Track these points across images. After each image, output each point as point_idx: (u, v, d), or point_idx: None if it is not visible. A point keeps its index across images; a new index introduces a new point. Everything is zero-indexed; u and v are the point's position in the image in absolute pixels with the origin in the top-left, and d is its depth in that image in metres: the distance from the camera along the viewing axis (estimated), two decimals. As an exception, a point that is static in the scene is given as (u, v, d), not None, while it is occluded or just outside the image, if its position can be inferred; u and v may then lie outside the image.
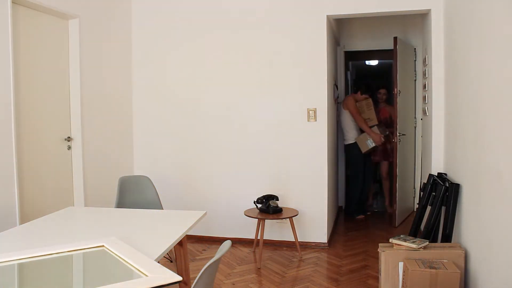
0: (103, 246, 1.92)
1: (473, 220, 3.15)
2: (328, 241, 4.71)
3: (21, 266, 1.77)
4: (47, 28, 4.00)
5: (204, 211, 2.84)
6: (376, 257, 3.92)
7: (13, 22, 3.48)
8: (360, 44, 6.42)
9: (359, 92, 5.88)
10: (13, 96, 3.43)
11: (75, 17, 4.19)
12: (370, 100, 5.99)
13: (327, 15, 4.60)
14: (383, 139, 5.73)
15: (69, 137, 4.25)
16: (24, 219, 3.52)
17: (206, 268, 1.67)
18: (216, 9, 4.88)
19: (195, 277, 1.66)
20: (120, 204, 3.54)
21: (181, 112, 5.03)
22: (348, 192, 6.30)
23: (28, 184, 3.73)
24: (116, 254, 1.80)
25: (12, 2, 3.45)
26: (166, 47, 5.06)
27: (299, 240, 4.50)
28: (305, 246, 4.67)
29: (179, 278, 1.55)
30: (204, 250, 4.63)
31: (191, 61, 4.99)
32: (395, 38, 5.25)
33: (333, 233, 5.16)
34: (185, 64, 5.00)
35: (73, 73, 4.25)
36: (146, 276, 1.57)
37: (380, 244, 3.34)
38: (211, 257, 1.72)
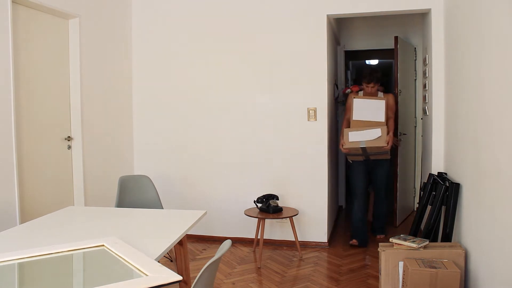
0: (103, 245, 1.92)
1: (473, 220, 3.15)
2: (328, 241, 4.71)
3: (21, 266, 1.78)
4: (47, 27, 4.00)
5: (204, 211, 2.85)
6: (376, 257, 3.93)
7: (13, 22, 3.48)
8: (360, 44, 6.42)
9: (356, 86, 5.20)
10: (13, 96, 3.43)
11: (75, 16, 4.19)
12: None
13: (327, 15, 4.60)
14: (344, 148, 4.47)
15: (69, 137, 4.25)
16: (24, 218, 3.52)
17: (206, 267, 1.67)
18: (217, 9, 4.88)
19: (195, 277, 1.66)
20: (120, 203, 3.54)
21: (181, 112, 5.03)
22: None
23: (29, 183, 3.73)
24: (116, 254, 1.80)
25: (12, 2, 3.45)
26: (167, 47, 5.05)
27: (299, 240, 4.50)
28: (305, 245, 4.67)
29: (179, 278, 1.55)
30: (204, 249, 4.63)
31: (191, 60, 4.99)
32: (396, 38, 5.26)
33: (333, 232, 5.16)
34: (185, 63, 5.00)
35: (73, 73, 4.25)
36: (146, 275, 1.57)
37: (380, 244, 3.34)
38: (211, 257, 1.73)
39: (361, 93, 4.76)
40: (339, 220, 5.84)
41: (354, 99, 4.59)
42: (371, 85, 4.57)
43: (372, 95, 4.65)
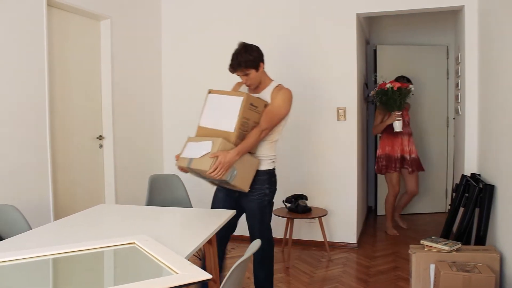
0: (134, 243, 1.94)
1: (509, 222, 3.06)
2: (357, 242, 4.65)
3: (55, 261, 1.81)
4: (80, 29, 4.08)
5: (234, 210, 2.85)
6: (407, 259, 3.86)
7: (48, 24, 3.57)
8: (390, 42, 6.31)
9: None
10: (47, 96, 3.52)
11: (107, 18, 4.27)
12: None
13: (356, 13, 4.55)
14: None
15: (100, 136, 4.32)
16: (57, 215, 3.61)
17: (236, 266, 1.67)
18: (247, 8, 4.89)
19: (224, 275, 1.66)
20: (150, 202, 3.58)
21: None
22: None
23: (62, 181, 3.82)
24: (146, 251, 1.82)
25: (48, 5, 3.53)
26: (196, 46, 5.09)
27: (328, 240, 4.46)
28: (334, 246, 4.63)
29: (209, 276, 1.56)
30: (233, 248, 4.64)
31: (220, 59, 4.99)
32: None
33: (363, 233, 5.10)
34: (214, 62, 5.02)
35: (105, 73, 4.33)
36: (177, 273, 1.58)
37: (410, 246, 3.28)
38: (240, 256, 1.72)
39: (244, 88, 3.25)
40: (369, 220, 5.77)
41: (209, 95, 3.11)
42: (240, 73, 3.05)
43: (258, 88, 3.14)
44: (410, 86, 4.97)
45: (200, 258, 4.16)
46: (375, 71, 6.46)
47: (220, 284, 1.67)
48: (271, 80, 3.18)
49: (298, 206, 4.32)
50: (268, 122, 2.94)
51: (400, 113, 4.91)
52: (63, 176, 3.84)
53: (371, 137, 6.20)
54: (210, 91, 3.09)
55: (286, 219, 4.42)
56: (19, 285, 1.65)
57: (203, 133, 2.96)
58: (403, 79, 5.19)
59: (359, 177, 4.80)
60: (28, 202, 3.30)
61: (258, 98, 2.95)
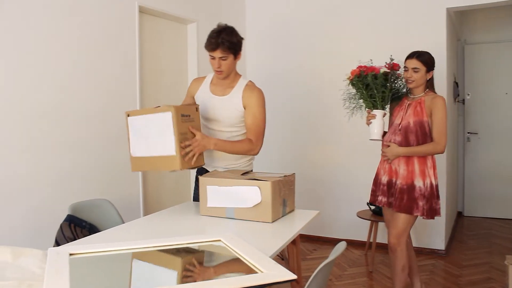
0: (220, 240, 1.97)
1: None
2: (445, 248, 4.42)
3: (145, 254, 1.90)
4: (168, 33, 4.26)
5: (318, 211, 2.81)
6: (502, 270, 3.62)
7: (140, 29, 3.75)
8: (482, 38, 5.94)
9: None
10: (138, 98, 3.70)
11: (193, 21, 4.41)
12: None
13: (446, 8, 4.33)
14: None
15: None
16: (147, 211, 3.79)
17: (321, 268, 1.64)
18: (331, 8, 4.83)
19: (306, 277, 1.64)
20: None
21: (290, 112, 5.06)
22: None
23: (151, 179, 4.00)
24: (232, 249, 1.85)
25: (139, 12, 3.72)
26: (280, 48, 5.11)
27: (414, 246, 4.27)
28: (420, 252, 4.44)
29: (294, 277, 1.54)
30: (315, 249, 4.59)
31: (305, 60, 4.99)
32: None
33: (451, 240, 4.84)
34: (299, 63, 5.02)
35: (191, 75, 4.48)
36: (262, 272, 1.58)
37: (507, 256, 3.06)
38: (322, 257, 1.70)
39: (205, 85, 2.90)
40: (458, 226, 5.47)
41: (128, 119, 2.57)
42: (218, 53, 2.62)
43: (226, 81, 2.78)
44: (381, 69, 3.31)
45: (282, 258, 4.17)
46: (464, 72, 6.11)
47: (305, 285, 1.66)
48: (239, 75, 2.84)
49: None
50: (258, 135, 2.76)
51: (376, 112, 3.16)
52: (152, 174, 4.02)
53: (461, 138, 5.87)
54: (128, 114, 2.54)
55: (370, 221, 4.31)
56: (112, 275, 1.75)
57: (141, 164, 2.60)
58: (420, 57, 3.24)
59: (448, 180, 4.56)
60: (121, 198, 3.49)
61: (187, 105, 2.62)
